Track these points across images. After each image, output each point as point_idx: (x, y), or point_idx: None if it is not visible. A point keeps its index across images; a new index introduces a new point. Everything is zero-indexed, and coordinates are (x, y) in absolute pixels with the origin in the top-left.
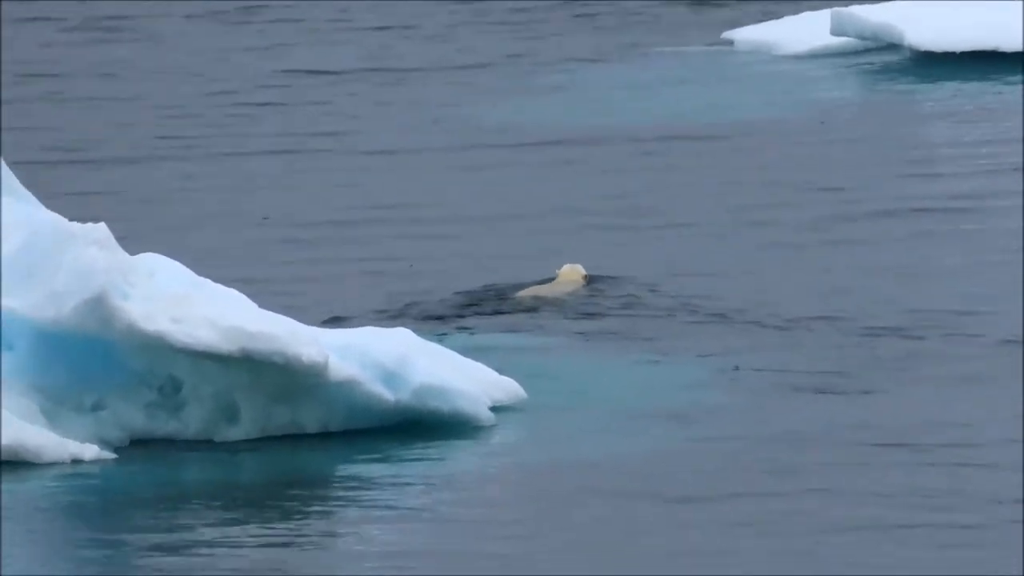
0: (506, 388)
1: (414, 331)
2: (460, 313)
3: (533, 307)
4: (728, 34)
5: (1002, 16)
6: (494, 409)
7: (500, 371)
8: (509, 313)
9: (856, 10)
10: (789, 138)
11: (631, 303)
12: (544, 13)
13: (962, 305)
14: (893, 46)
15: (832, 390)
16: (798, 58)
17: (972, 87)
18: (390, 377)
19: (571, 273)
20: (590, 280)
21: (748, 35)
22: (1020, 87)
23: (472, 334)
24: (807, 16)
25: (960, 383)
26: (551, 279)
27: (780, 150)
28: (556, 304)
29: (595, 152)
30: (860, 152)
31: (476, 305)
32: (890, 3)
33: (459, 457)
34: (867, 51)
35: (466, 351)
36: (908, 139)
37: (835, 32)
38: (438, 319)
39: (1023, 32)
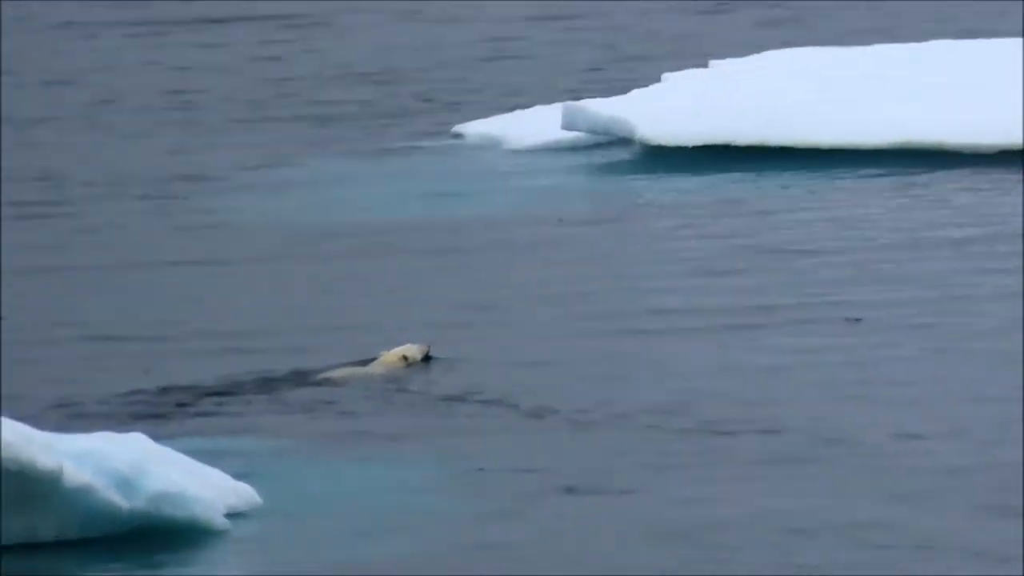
0: (241, 493)
1: (151, 434)
2: (223, 401)
3: (312, 391)
4: (458, 128)
5: (734, 110)
6: (229, 515)
7: (237, 476)
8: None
9: (588, 104)
10: (523, 232)
11: (423, 393)
12: (269, 110)
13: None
14: (626, 140)
15: (586, 489)
16: (529, 152)
17: (703, 181)
18: (125, 484)
19: (392, 356)
20: (424, 361)
21: (478, 128)
22: (753, 181)
23: (213, 437)
24: (538, 110)
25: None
26: (372, 359)
27: (512, 247)
28: (346, 386)
29: (337, 247)
30: (598, 251)
31: (257, 389)
32: (621, 97)
33: (194, 564)
34: (599, 146)
35: (203, 455)
36: (642, 236)
37: (566, 126)
38: (186, 415)
39: (758, 125)
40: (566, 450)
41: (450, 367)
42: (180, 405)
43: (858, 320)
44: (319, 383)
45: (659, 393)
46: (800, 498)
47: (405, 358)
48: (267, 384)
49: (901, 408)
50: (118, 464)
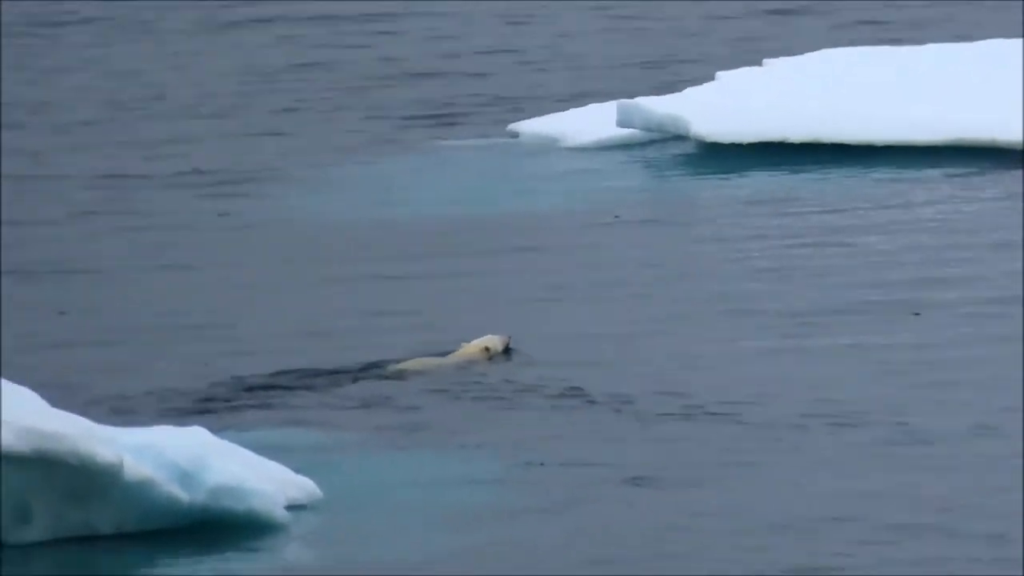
0: (302, 486)
1: (212, 427)
2: (290, 392)
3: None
4: (514, 126)
5: (788, 107)
6: (290, 508)
7: (298, 469)
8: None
9: (642, 102)
10: (581, 229)
11: (496, 386)
12: (331, 108)
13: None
14: (680, 138)
15: (648, 483)
16: (584, 150)
17: (757, 177)
18: (185, 477)
19: (473, 347)
20: (504, 353)
21: (534, 127)
22: (808, 176)
23: (274, 429)
24: (593, 108)
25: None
26: (452, 352)
27: (572, 243)
28: (421, 378)
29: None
30: (658, 248)
31: (329, 377)
32: (676, 95)
33: (253, 557)
34: (653, 143)
35: (264, 448)
36: (700, 233)
37: (621, 124)
38: (261, 405)
39: (811, 122)
40: (633, 443)
41: (529, 360)
42: (241, 398)
43: (917, 314)
44: (394, 375)
45: (730, 387)
46: (871, 491)
47: (487, 349)
48: (335, 377)
49: (973, 400)
50: (178, 457)
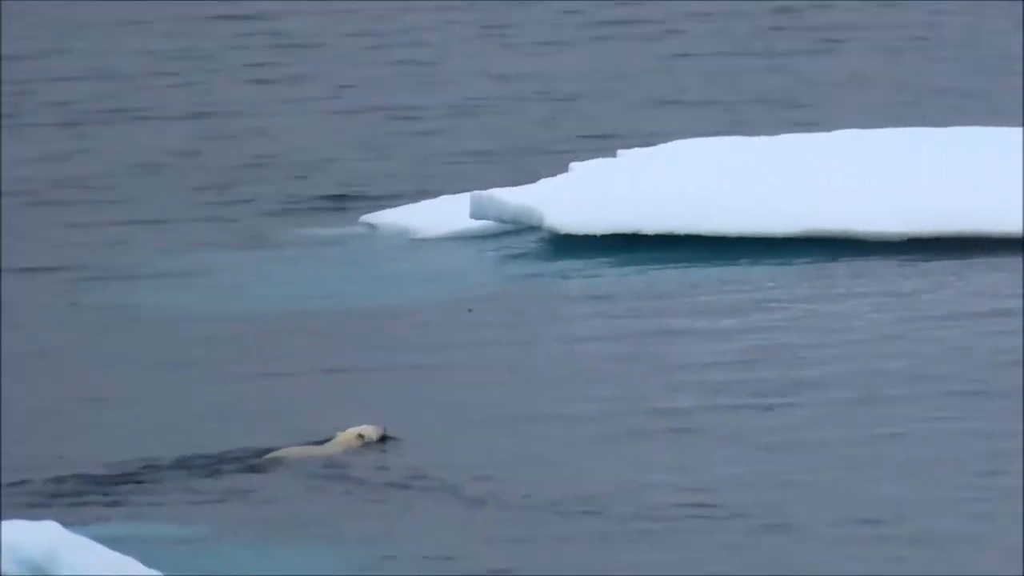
0: None
1: (65, 521)
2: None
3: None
4: (367, 218)
5: (642, 198)
6: None
7: (152, 564)
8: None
9: (495, 193)
10: (437, 321)
11: (363, 477)
12: (184, 201)
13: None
14: (534, 229)
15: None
16: (439, 242)
17: (611, 268)
18: (39, 572)
19: (348, 435)
20: (381, 442)
21: (388, 219)
22: (663, 267)
23: (129, 523)
24: (446, 200)
25: None
26: (327, 440)
27: (430, 335)
28: (289, 468)
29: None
30: (512, 340)
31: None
32: (529, 186)
33: None
34: (507, 234)
35: (117, 543)
36: (554, 324)
37: (475, 216)
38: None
39: (666, 214)
40: (491, 537)
41: (402, 450)
42: (97, 491)
43: (770, 408)
44: (264, 465)
45: (596, 479)
46: None
47: (361, 436)
48: (198, 468)
49: (843, 493)
50: (31, 553)
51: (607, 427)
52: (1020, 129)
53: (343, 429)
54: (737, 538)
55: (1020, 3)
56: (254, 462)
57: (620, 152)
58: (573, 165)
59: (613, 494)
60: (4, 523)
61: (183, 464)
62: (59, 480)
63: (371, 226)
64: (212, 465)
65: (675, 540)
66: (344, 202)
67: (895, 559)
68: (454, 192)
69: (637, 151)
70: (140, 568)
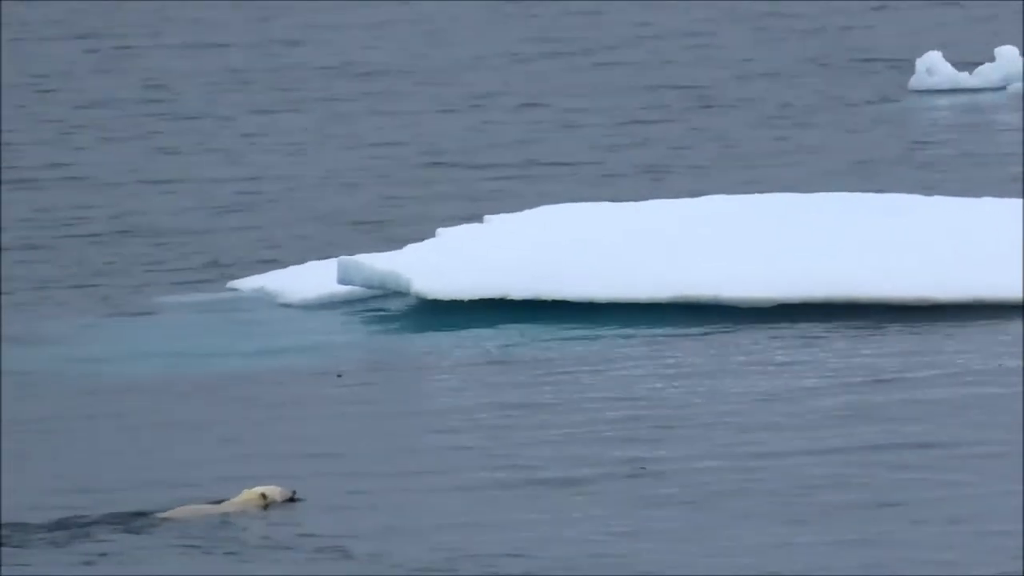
0: None
1: None
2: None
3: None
4: (234, 283)
5: (509, 263)
6: None
7: None
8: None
9: (362, 258)
10: (307, 387)
11: (258, 538)
12: (44, 267)
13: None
14: (401, 294)
15: None
16: (306, 307)
17: (477, 334)
18: None
19: (251, 494)
20: (290, 502)
21: (254, 284)
22: (529, 333)
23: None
24: (313, 265)
25: None
26: (225, 500)
27: (299, 401)
28: (184, 527)
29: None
30: (383, 406)
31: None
32: (396, 251)
33: None
34: (375, 299)
35: None
36: (421, 390)
37: (342, 281)
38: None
39: (530, 279)
40: None
41: (303, 511)
42: None
43: (644, 468)
44: (159, 524)
45: (487, 543)
46: None
47: (264, 496)
48: (82, 530)
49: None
50: None
51: (483, 491)
52: (890, 195)
53: (251, 487)
54: None
55: None
56: (151, 520)
57: (487, 217)
58: (440, 231)
59: (500, 555)
60: None
61: (58, 526)
62: None
63: (238, 290)
64: (85, 527)
65: None
66: (211, 269)
67: None
68: (321, 257)
69: (504, 216)
70: None
